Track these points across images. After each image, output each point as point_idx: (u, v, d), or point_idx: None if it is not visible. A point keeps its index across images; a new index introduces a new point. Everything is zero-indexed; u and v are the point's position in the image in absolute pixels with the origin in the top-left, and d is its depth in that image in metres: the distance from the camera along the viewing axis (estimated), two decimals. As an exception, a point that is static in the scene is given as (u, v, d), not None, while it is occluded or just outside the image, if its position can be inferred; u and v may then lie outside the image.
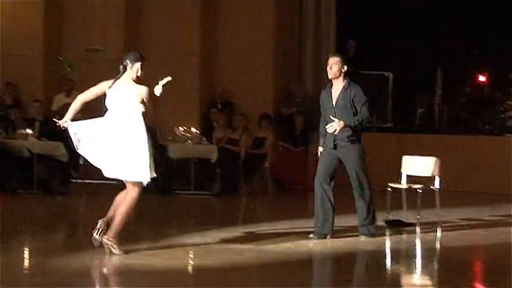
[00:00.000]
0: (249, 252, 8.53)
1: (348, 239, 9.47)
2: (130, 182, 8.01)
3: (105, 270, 7.59)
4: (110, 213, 8.06)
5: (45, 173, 14.43)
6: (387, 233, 10.08)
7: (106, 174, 8.05)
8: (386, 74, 17.58)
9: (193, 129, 14.99)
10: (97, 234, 7.92)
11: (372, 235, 9.47)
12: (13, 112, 15.07)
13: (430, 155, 11.17)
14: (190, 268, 7.92)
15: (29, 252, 8.57)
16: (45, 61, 16.30)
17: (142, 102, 7.98)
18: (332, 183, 9.48)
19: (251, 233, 9.88)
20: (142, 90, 8.01)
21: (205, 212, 12.95)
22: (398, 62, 17.31)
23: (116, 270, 7.59)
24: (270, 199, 14.72)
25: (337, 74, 9.42)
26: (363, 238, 9.40)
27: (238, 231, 10.00)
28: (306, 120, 16.14)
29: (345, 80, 9.44)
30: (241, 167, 14.76)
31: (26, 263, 7.97)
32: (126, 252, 7.97)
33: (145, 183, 8.01)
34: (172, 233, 9.63)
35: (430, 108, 17.26)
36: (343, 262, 8.47)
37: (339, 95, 9.44)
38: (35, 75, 16.23)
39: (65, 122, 8.04)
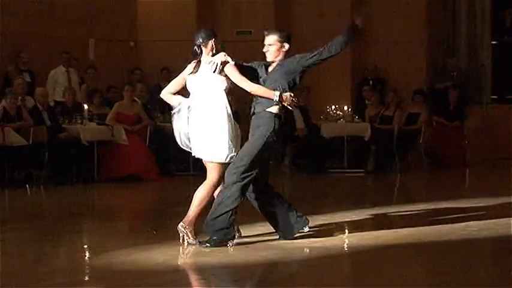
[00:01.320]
0: (405, 231, 8.39)
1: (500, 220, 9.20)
2: (210, 164, 7.53)
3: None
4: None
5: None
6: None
7: (193, 153, 7.63)
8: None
9: (345, 107, 14.94)
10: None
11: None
12: (169, 96, 15.44)
13: None
14: (345, 248, 7.87)
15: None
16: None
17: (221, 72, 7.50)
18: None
19: (407, 210, 9.74)
20: (218, 58, 7.51)
21: (360, 190, 12.88)
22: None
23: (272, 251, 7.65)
24: (425, 176, 14.48)
25: (277, 54, 7.65)
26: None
27: (393, 209, 9.88)
28: (461, 94, 15.77)
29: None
30: (395, 144, 14.59)
31: (185, 243, 8.11)
32: (200, 242, 7.39)
33: (220, 160, 7.45)
34: (327, 211, 9.62)
35: None
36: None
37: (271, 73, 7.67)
38: (189, 59, 16.53)
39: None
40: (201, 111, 7.59)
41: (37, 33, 15.25)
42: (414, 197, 11.86)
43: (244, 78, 7.55)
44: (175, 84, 7.82)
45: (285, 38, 7.66)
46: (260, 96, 7.58)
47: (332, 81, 16.22)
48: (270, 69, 7.69)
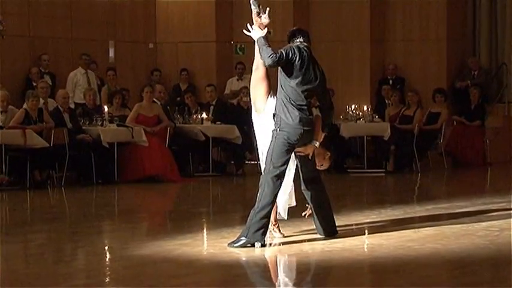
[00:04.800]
0: (427, 230, 8.36)
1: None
2: None
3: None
4: None
5: (221, 155, 14.76)
6: None
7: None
8: None
9: (365, 107, 14.90)
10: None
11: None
12: (188, 97, 15.46)
13: None
14: (365, 249, 7.85)
15: (206, 234, 8.76)
16: (217, 46, 16.63)
17: None
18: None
19: (428, 210, 9.70)
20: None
21: (380, 190, 12.84)
22: None
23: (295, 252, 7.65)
24: (445, 175, 14.42)
25: None
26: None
27: (414, 209, 9.84)
28: (481, 93, 15.69)
29: None
30: (415, 144, 14.54)
31: (205, 244, 8.13)
32: (285, 236, 7.87)
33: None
34: (347, 211, 9.61)
35: None
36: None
37: None
38: (208, 61, 16.60)
39: None
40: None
41: (57, 36, 15.33)
42: (434, 196, 11.80)
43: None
44: None
45: None
46: None
47: (351, 81, 16.20)
48: None
